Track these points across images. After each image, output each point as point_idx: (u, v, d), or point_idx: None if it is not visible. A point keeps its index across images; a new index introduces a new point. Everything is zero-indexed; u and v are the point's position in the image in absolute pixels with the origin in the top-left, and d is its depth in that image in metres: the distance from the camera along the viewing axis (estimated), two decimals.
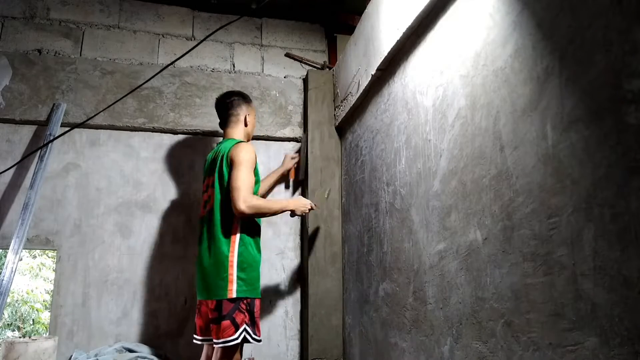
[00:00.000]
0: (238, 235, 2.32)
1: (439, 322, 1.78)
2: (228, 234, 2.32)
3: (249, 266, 2.32)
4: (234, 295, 2.25)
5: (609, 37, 1.08)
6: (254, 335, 2.28)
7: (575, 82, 1.17)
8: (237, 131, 2.56)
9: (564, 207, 1.18)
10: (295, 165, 3.18)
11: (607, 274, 1.05)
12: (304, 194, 3.19)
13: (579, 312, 1.13)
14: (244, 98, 2.64)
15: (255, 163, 2.44)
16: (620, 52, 1.05)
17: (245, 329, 2.25)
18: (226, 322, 2.22)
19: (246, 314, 2.27)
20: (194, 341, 2.46)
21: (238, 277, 2.28)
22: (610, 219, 1.05)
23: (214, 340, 2.27)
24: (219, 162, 2.42)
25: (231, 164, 2.36)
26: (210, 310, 2.30)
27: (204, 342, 2.43)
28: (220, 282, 2.28)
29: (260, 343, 2.35)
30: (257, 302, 2.35)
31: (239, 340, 2.22)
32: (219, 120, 2.64)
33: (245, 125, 2.59)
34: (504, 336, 1.40)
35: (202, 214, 2.47)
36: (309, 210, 2.65)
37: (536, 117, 1.30)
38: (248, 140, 2.60)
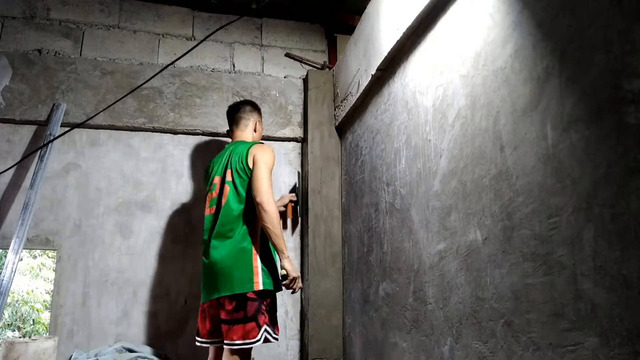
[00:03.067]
0: (260, 230, 2.32)
1: (439, 322, 1.78)
2: (250, 228, 2.30)
3: (270, 259, 2.32)
4: (261, 287, 2.21)
5: (609, 37, 1.08)
6: (274, 335, 2.25)
7: (575, 82, 1.17)
8: (247, 135, 2.60)
9: (564, 207, 1.18)
10: (293, 204, 3.15)
11: (607, 274, 1.05)
12: (303, 196, 3.18)
13: (579, 312, 1.13)
14: (256, 107, 2.71)
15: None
16: (620, 52, 1.05)
17: (265, 329, 2.21)
18: (251, 324, 2.18)
19: (266, 314, 2.24)
20: (198, 344, 2.38)
21: (262, 269, 2.25)
22: (610, 219, 1.05)
23: (232, 342, 2.17)
24: (237, 159, 2.39)
25: (254, 162, 2.36)
26: (227, 311, 2.21)
27: (212, 345, 2.35)
28: (245, 274, 2.22)
29: (278, 341, 2.31)
30: (276, 300, 2.34)
31: (261, 342, 2.19)
32: (227, 126, 2.67)
33: (254, 131, 2.64)
34: (504, 336, 1.40)
35: (210, 212, 2.41)
36: (294, 285, 2.41)
37: (536, 117, 1.30)
38: None
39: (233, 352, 2.20)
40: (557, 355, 1.19)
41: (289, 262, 2.40)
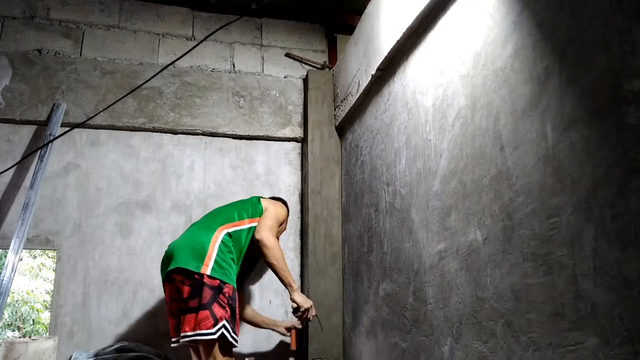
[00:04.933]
0: (222, 238, 2.34)
1: (439, 322, 1.78)
2: (214, 233, 2.35)
3: (227, 261, 2.27)
4: (208, 272, 2.15)
5: (609, 37, 1.08)
6: (233, 334, 2.14)
7: (575, 82, 1.17)
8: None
9: (564, 207, 1.18)
10: (297, 332, 2.83)
11: (607, 274, 1.05)
12: (303, 197, 3.18)
13: (579, 312, 1.13)
14: (285, 205, 2.81)
15: (281, 224, 2.67)
16: (620, 52, 1.05)
17: (224, 325, 2.10)
18: (205, 313, 2.08)
19: (227, 308, 2.15)
20: (172, 345, 2.31)
21: (217, 260, 2.21)
22: (610, 219, 1.05)
23: (186, 334, 2.08)
24: (248, 200, 2.61)
25: (266, 208, 2.55)
26: (184, 299, 2.14)
27: (182, 344, 2.23)
28: (196, 254, 2.20)
29: (236, 345, 2.20)
30: (238, 296, 2.30)
31: (216, 336, 2.07)
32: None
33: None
34: (504, 336, 1.40)
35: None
36: (307, 316, 2.47)
37: (536, 117, 1.30)
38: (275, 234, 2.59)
39: (202, 349, 2.11)
40: (557, 355, 1.19)
41: (299, 294, 2.45)
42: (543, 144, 1.27)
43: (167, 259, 2.32)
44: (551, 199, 1.23)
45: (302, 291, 3.08)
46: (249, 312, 2.82)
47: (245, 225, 2.47)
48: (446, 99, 1.79)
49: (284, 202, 2.82)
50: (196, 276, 2.17)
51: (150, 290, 2.91)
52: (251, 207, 2.54)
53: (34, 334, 6.57)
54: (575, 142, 1.15)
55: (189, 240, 2.32)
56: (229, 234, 2.38)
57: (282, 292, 3.09)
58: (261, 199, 2.64)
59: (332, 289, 2.94)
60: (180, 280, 2.22)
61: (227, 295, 2.19)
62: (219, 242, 2.30)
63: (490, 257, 1.48)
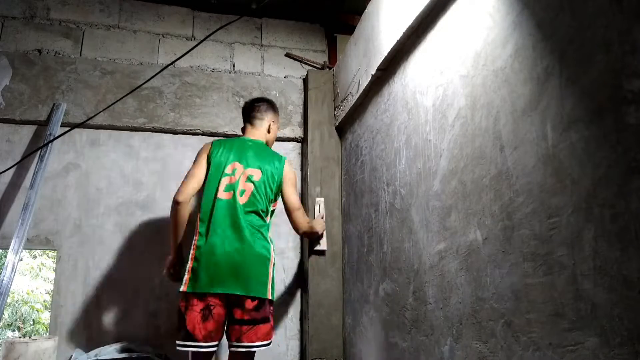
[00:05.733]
0: (272, 243, 2.34)
1: (439, 322, 1.78)
2: (267, 236, 2.31)
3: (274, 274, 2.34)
4: (271, 297, 2.24)
5: (609, 37, 1.08)
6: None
7: (575, 82, 1.17)
8: (260, 134, 2.55)
9: (564, 207, 1.18)
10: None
11: (607, 274, 1.05)
12: (303, 197, 3.19)
13: (579, 312, 1.13)
14: (272, 106, 2.65)
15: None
16: (620, 52, 1.05)
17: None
18: (270, 324, 2.23)
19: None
20: (190, 349, 2.13)
21: (272, 279, 2.27)
22: (610, 219, 1.05)
23: (252, 343, 2.14)
24: (268, 167, 2.39)
25: (287, 180, 2.47)
26: (248, 310, 2.13)
27: (207, 349, 2.13)
28: (263, 279, 2.20)
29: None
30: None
31: (270, 346, 2.25)
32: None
33: (268, 132, 2.58)
34: (504, 336, 1.40)
35: (227, 198, 2.26)
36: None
37: (536, 117, 1.30)
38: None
39: (250, 355, 2.20)
40: (557, 355, 1.19)
41: (320, 225, 2.80)
42: (543, 144, 1.27)
43: (228, 266, 2.16)
44: (551, 199, 1.23)
45: (302, 291, 3.08)
46: None
47: (269, 214, 2.42)
48: (446, 99, 1.79)
49: (261, 107, 2.59)
50: (262, 298, 2.20)
51: (151, 290, 2.91)
52: (273, 184, 2.39)
53: (34, 334, 6.57)
54: (575, 142, 1.15)
55: (250, 261, 2.18)
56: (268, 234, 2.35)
57: (282, 292, 3.09)
58: (284, 167, 2.46)
59: (332, 288, 2.94)
60: (249, 300, 2.17)
61: (272, 311, 2.30)
62: (273, 263, 2.29)
63: (490, 257, 1.48)
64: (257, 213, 2.29)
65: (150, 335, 2.85)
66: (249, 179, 2.31)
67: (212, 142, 2.45)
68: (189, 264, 2.21)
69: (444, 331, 1.74)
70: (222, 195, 2.27)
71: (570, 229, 1.16)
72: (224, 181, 2.30)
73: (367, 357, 2.51)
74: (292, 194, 2.49)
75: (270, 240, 2.33)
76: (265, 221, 2.33)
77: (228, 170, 2.32)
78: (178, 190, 2.32)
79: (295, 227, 2.58)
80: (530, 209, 1.30)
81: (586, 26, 1.15)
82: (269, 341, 2.23)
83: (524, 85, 1.36)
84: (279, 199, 2.50)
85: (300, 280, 3.12)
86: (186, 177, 2.36)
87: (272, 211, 2.44)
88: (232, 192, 2.27)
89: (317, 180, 3.07)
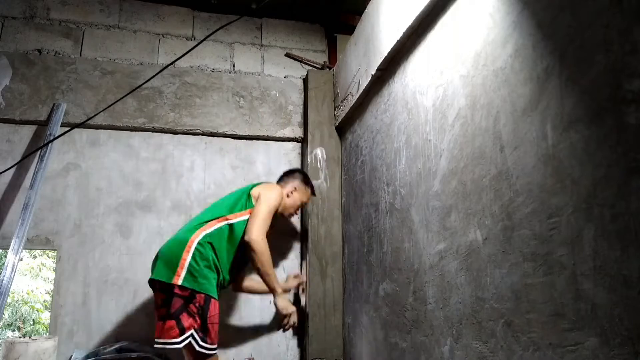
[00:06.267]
0: (198, 242, 2.30)
1: (439, 322, 1.78)
2: (190, 236, 2.33)
3: (201, 270, 2.23)
4: (180, 282, 2.16)
5: (609, 37, 1.08)
6: (204, 344, 2.17)
7: (575, 82, 1.17)
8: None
9: (564, 207, 1.18)
10: (296, 290, 3.00)
11: (607, 274, 1.05)
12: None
13: (579, 312, 1.13)
14: (305, 179, 2.72)
15: (275, 211, 2.53)
16: (621, 52, 1.05)
17: (192, 334, 2.14)
18: (170, 322, 2.14)
19: (196, 318, 2.18)
20: (155, 346, 2.26)
21: (190, 266, 2.20)
22: (610, 219, 1.05)
23: (156, 340, 2.17)
24: (242, 189, 2.53)
25: (257, 198, 2.43)
26: (157, 305, 2.24)
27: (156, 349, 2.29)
28: (170, 264, 2.21)
29: (215, 352, 2.24)
30: (213, 304, 2.23)
31: (181, 345, 2.14)
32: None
33: (287, 196, 2.64)
34: (504, 336, 1.40)
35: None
36: (287, 322, 2.51)
37: (536, 117, 1.30)
38: (281, 212, 2.63)
39: (185, 354, 2.20)
40: (557, 355, 1.19)
41: (281, 299, 2.42)
42: (543, 144, 1.27)
43: (152, 264, 2.41)
44: (551, 199, 1.23)
45: (302, 291, 3.08)
46: (247, 283, 2.82)
47: (238, 218, 2.44)
48: (446, 99, 1.79)
49: (294, 173, 2.72)
50: (168, 286, 2.21)
51: (150, 291, 2.90)
52: (245, 197, 2.50)
53: (34, 334, 6.57)
54: (575, 142, 1.15)
55: (168, 248, 2.35)
56: (208, 235, 2.35)
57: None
58: (255, 186, 2.56)
59: (332, 289, 2.94)
60: (159, 289, 2.28)
61: (197, 304, 2.20)
62: (193, 249, 2.28)
63: (490, 257, 1.48)
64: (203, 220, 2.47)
65: (150, 335, 2.84)
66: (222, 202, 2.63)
67: None
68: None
69: (444, 331, 1.74)
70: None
71: (571, 229, 1.16)
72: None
73: (367, 357, 2.51)
74: (255, 209, 2.49)
75: (203, 238, 2.33)
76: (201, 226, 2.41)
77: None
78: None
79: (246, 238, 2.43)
80: (530, 209, 1.30)
81: (586, 26, 1.15)
82: (171, 339, 2.13)
83: (524, 85, 1.36)
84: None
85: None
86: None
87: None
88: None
89: (317, 180, 3.07)
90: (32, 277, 6.69)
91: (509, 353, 1.37)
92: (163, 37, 3.30)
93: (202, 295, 2.21)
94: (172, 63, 2.55)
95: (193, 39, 3.33)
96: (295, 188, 2.67)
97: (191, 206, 3.06)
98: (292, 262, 3.15)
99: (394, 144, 2.26)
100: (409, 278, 2.04)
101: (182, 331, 2.14)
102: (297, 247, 3.18)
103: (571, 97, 1.18)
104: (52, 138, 2.73)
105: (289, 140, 3.31)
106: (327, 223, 3.02)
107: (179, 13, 3.36)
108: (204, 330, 2.20)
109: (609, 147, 1.06)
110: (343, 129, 3.12)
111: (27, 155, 2.82)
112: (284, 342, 3.03)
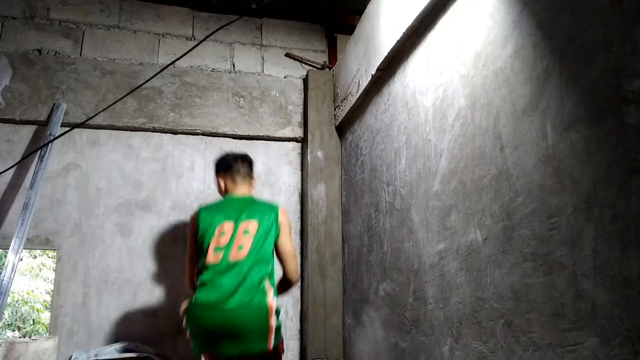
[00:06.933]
0: (272, 289, 2.13)
1: (439, 322, 1.78)
2: (265, 287, 2.10)
3: (279, 320, 2.15)
4: (271, 347, 2.06)
5: (609, 37, 1.08)
6: None
7: (575, 82, 1.17)
8: (250, 190, 2.37)
9: (564, 207, 1.18)
10: None
11: (607, 274, 1.05)
12: (303, 196, 3.19)
13: (579, 312, 1.13)
14: (251, 163, 2.48)
15: None
16: (621, 52, 1.05)
17: None
18: None
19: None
20: None
21: (276, 329, 2.09)
22: (610, 219, 1.05)
23: None
24: (262, 216, 2.19)
25: (282, 227, 2.22)
26: None
27: None
28: (264, 335, 2.05)
29: None
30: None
31: None
32: (232, 172, 2.35)
33: (253, 187, 2.42)
34: (504, 336, 1.40)
35: (216, 260, 2.11)
36: None
37: (536, 117, 1.30)
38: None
39: None
40: (557, 355, 1.19)
41: None
42: (543, 144, 1.27)
43: (230, 326, 2.05)
44: (551, 199, 1.23)
45: (302, 291, 3.08)
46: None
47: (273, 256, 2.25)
48: (446, 99, 1.79)
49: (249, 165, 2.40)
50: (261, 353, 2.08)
51: (150, 291, 2.91)
52: (274, 229, 2.23)
53: (34, 334, 6.57)
54: (576, 142, 1.15)
55: (253, 315, 2.05)
56: (271, 281, 2.16)
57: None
58: (279, 214, 2.25)
59: (332, 288, 2.95)
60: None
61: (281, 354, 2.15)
62: (274, 307, 2.10)
63: (490, 257, 1.48)
64: (262, 261, 2.14)
65: (150, 335, 2.85)
66: (245, 232, 2.17)
67: (197, 212, 2.28)
68: None
69: (444, 331, 1.74)
70: (211, 258, 2.14)
71: (571, 229, 1.16)
72: (212, 244, 2.15)
73: (367, 357, 2.51)
74: (287, 241, 2.26)
75: (271, 284, 2.14)
76: (268, 268, 2.16)
77: (217, 232, 2.17)
78: (186, 279, 2.27)
79: (289, 275, 2.27)
80: (530, 209, 1.30)
81: (586, 26, 1.15)
82: None
83: (524, 85, 1.36)
84: None
85: (301, 280, 3.12)
86: (186, 265, 2.27)
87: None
88: (221, 253, 2.13)
89: (317, 180, 3.07)
90: (32, 277, 6.69)
91: (509, 353, 1.37)
92: (163, 37, 3.30)
93: (282, 342, 2.16)
94: (172, 63, 2.55)
95: (193, 39, 3.33)
96: (252, 178, 2.42)
97: (191, 206, 3.06)
98: None
99: (394, 144, 2.26)
100: (409, 278, 2.04)
101: None
102: (297, 246, 3.18)
103: (571, 97, 1.18)
104: (52, 138, 2.73)
105: (289, 140, 3.31)
106: (327, 223, 3.03)
107: (179, 13, 3.36)
108: None
109: (609, 147, 1.06)
110: (343, 129, 3.12)
111: (27, 155, 2.82)
112: (284, 342, 3.02)
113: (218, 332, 2.04)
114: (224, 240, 2.14)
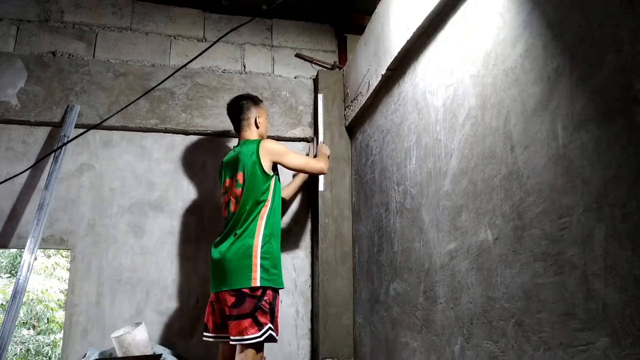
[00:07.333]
0: (262, 230, 2.37)
1: (449, 322, 1.79)
2: (254, 229, 2.37)
3: (273, 258, 2.36)
4: (258, 283, 2.25)
5: (620, 36, 1.08)
6: (275, 335, 2.29)
7: (585, 82, 1.17)
8: (251, 134, 2.64)
9: (574, 207, 1.18)
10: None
11: (618, 273, 1.05)
12: (313, 201, 3.20)
13: (590, 312, 1.13)
14: (253, 101, 2.71)
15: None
16: (631, 51, 1.05)
17: (270, 327, 2.25)
18: (248, 321, 2.22)
19: (268, 314, 2.27)
20: (205, 339, 2.45)
21: (261, 266, 2.29)
22: (621, 218, 1.05)
23: (232, 337, 2.24)
24: (246, 161, 2.46)
25: (273, 158, 2.50)
26: (228, 307, 2.28)
27: (219, 340, 2.42)
28: (244, 270, 2.28)
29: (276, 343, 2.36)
30: (278, 299, 2.38)
31: (262, 339, 2.21)
32: (232, 125, 2.74)
33: (257, 127, 2.66)
34: (514, 336, 1.40)
35: (225, 215, 2.53)
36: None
37: (547, 117, 1.30)
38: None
39: (240, 348, 2.25)
40: (568, 355, 1.19)
41: (323, 155, 2.87)
42: (553, 143, 1.27)
43: (216, 269, 2.40)
44: (562, 199, 1.23)
45: (312, 290, 3.10)
46: (285, 194, 2.94)
47: (270, 189, 2.46)
48: (456, 98, 1.80)
49: (241, 106, 2.67)
50: (242, 290, 2.28)
51: (163, 290, 2.94)
52: (260, 173, 2.45)
53: (48, 333, 6.67)
54: (586, 142, 1.15)
55: (235, 253, 2.34)
56: (267, 217, 2.41)
57: (292, 292, 3.11)
58: (259, 148, 2.47)
59: (342, 288, 2.95)
60: (225, 295, 2.34)
61: (268, 301, 2.29)
62: (260, 244, 2.35)
63: (501, 256, 1.48)
64: (253, 205, 2.40)
65: (163, 334, 2.88)
66: (237, 184, 2.47)
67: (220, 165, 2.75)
68: None
69: (455, 331, 1.74)
70: (224, 213, 2.57)
71: (581, 228, 1.16)
72: (223, 200, 2.60)
73: (378, 357, 2.51)
74: (288, 162, 2.57)
75: (262, 233, 2.37)
76: (260, 209, 2.40)
77: (223, 189, 2.61)
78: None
79: (313, 174, 2.90)
80: (541, 209, 1.30)
81: (597, 26, 1.14)
82: (248, 336, 2.20)
83: (534, 85, 1.36)
84: (278, 172, 2.58)
85: (311, 279, 3.13)
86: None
87: (271, 186, 2.46)
88: (227, 210, 2.52)
89: (328, 180, 3.08)
90: (47, 276, 6.79)
91: (520, 353, 1.38)
92: (174, 38, 3.33)
93: (270, 292, 2.31)
94: (185, 65, 2.57)
95: (204, 40, 3.36)
96: (257, 116, 2.65)
97: (203, 206, 3.09)
98: (302, 261, 3.16)
99: (404, 144, 2.27)
100: (420, 278, 2.05)
101: (259, 326, 2.23)
102: (307, 246, 3.19)
103: (582, 97, 1.18)
104: (66, 140, 2.76)
105: (299, 140, 3.32)
106: (338, 223, 3.03)
107: (190, 15, 3.39)
108: (273, 322, 2.30)
109: (619, 147, 1.06)
110: (353, 129, 3.13)
111: (42, 158, 2.86)
112: (295, 341, 3.04)
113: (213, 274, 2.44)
114: (227, 196, 2.53)
